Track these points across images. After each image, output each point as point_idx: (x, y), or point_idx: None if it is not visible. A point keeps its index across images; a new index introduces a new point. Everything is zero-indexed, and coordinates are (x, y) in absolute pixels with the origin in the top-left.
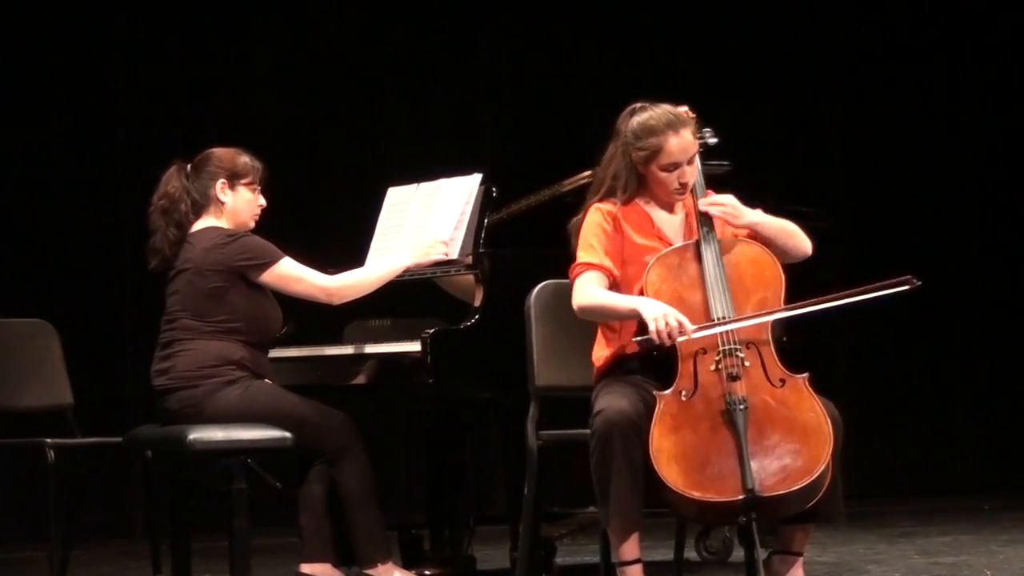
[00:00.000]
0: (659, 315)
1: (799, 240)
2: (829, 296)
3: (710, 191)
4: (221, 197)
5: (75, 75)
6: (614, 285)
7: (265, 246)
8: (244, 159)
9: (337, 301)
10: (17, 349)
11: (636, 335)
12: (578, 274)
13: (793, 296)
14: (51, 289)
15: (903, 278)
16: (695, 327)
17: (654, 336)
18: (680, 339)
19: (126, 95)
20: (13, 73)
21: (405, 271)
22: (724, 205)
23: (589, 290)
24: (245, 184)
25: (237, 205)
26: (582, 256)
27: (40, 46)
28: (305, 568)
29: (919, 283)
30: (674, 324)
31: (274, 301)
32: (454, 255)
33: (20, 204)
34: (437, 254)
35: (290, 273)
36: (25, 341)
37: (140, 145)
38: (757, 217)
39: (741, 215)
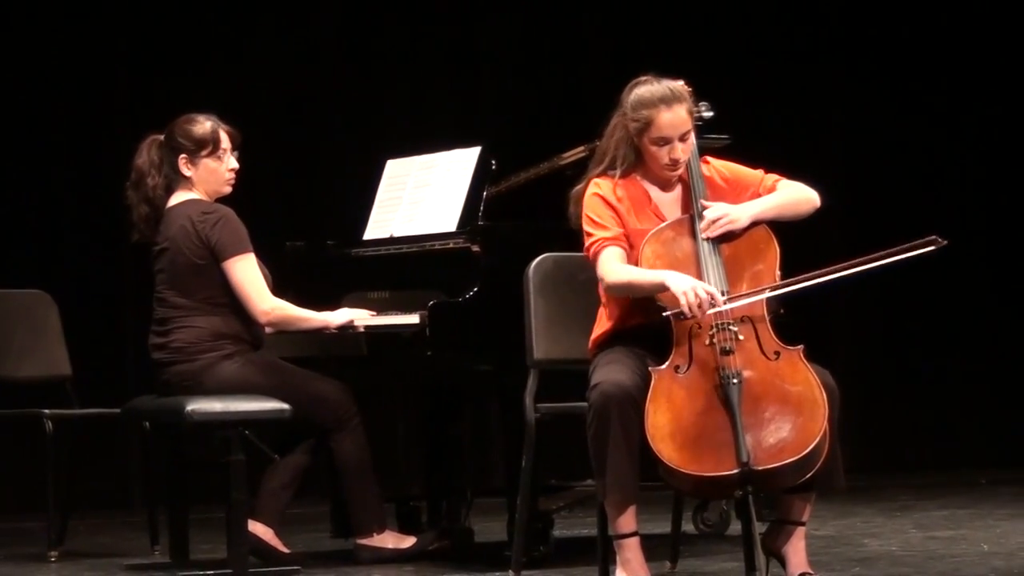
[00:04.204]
0: (688, 288)
1: (802, 203)
2: (851, 262)
3: (706, 159)
4: (185, 172)
5: (75, 46)
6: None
7: (239, 234)
8: (203, 128)
9: (265, 321)
10: (16, 320)
11: (662, 310)
12: (597, 252)
13: (787, 270)
14: (50, 260)
15: (928, 238)
16: (726, 297)
17: (685, 309)
18: (711, 311)
19: (126, 65)
20: (13, 46)
21: (338, 327)
22: (722, 220)
23: (614, 267)
24: (207, 155)
25: (202, 176)
26: (596, 232)
27: (38, 16)
28: (250, 525)
29: (945, 242)
30: (704, 296)
31: (263, 267)
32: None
33: (19, 175)
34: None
35: (247, 273)
36: (24, 312)
37: (140, 115)
38: (755, 209)
39: (740, 219)
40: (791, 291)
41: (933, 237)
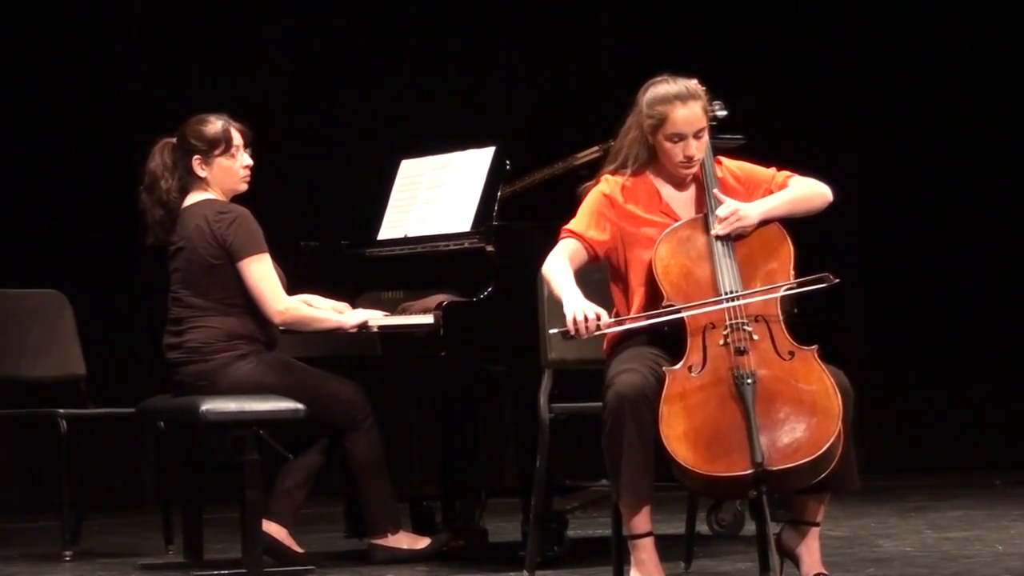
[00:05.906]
0: (577, 309)
1: (814, 198)
2: (747, 292)
3: (719, 160)
4: (200, 173)
5: (88, 46)
6: (594, 258)
7: (254, 234)
8: (215, 128)
9: (279, 320)
10: (30, 320)
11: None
12: (560, 238)
13: (802, 267)
14: (64, 260)
15: (820, 275)
16: (609, 321)
17: (571, 328)
18: (597, 333)
19: (140, 64)
20: (28, 49)
21: (353, 327)
22: (732, 217)
23: (555, 259)
24: (220, 154)
25: (217, 176)
26: (572, 222)
27: (52, 20)
28: (264, 525)
29: (837, 280)
30: (592, 317)
31: (277, 268)
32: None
33: (32, 174)
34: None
35: (262, 273)
36: (38, 312)
37: (153, 115)
38: (765, 207)
39: (750, 216)
40: (673, 319)
41: (825, 274)
